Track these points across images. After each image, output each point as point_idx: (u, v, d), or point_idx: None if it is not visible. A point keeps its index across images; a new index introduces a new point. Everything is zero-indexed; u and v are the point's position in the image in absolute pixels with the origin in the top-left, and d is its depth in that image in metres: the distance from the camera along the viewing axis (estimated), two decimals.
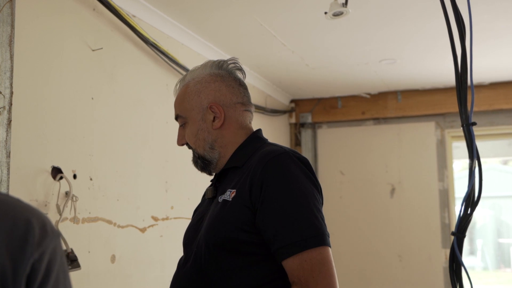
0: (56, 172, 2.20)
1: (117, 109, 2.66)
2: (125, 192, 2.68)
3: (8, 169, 1.78)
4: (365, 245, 5.12)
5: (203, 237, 1.52)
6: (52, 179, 2.19)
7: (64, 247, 2.17)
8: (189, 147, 1.71)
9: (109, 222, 2.54)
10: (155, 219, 2.92)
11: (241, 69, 1.75)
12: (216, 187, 1.66)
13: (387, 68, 4.26)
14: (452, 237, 1.20)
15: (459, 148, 5.32)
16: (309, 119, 5.36)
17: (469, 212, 1.21)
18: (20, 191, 2.02)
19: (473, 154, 1.19)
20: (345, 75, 4.50)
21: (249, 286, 1.45)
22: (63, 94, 2.30)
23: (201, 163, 1.68)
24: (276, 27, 3.29)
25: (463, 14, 1.36)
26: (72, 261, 2.17)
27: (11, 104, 1.81)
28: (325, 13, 2.58)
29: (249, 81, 4.25)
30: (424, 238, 4.93)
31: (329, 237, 1.44)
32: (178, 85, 1.75)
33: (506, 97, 4.78)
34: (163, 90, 3.05)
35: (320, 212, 1.46)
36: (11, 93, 1.81)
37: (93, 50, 2.49)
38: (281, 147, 1.58)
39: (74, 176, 2.33)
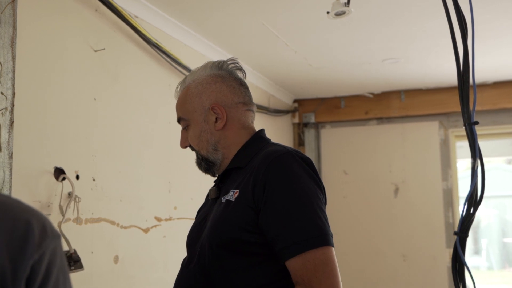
0: (59, 173, 2.20)
1: (119, 109, 2.66)
2: (128, 192, 2.68)
3: (11, 170, 1.78)
4: (369, 245, 5.11)
5: (207, 238, 1.52)
6: (54, 180, 2.19)
7: (67, 248, 2.17)
8: (193, 149, 1.71)
9: (112, 222, 2.54)
10: (158, 219, 2.92)
11: (241, 69, 1.75)
12: (219, 188, 1.66)
13: (390, 67, 4.25)
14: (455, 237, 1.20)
15: (463, 147, 5.30)
16: (312, 119, 5.35)
17: (471, 211, 1.20)
18: (22, 192, 2.02)
19: (476, 154, 1.18)
20: (348, 74, 4.49)
21: (252, 287, 1.45)
22: (65, 95, 2.30)
23: (205, 164, 1.68)
24: (278, 27, 3.28)
25: (465, 14, 1.35)
26: (75, 261, 2.17)
27: (13, 105, 1.81)
28: (327, 12, 2.58)
29: (252, 81, 4.25)
30: (428, 238, 4.92)
31: (332, 237, 1.43)
32: (179, 88, 1.75)
33: (510, 96, 4.76)
34: (166, 90, 3.04)
35: (323, 212, 1.46)
36: (13, 94, 1.81)
37: (95, 51, 2.49)
38: (284, 147, 1.58)
39: (77, 177, 2.33)
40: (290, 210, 1.42)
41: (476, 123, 1.23)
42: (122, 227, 2.61)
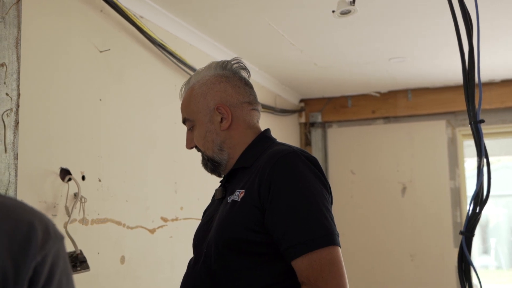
0: (65, 173, 2.21)
1: (125, 110, 2.66)
2: (134, 193, 2.68)
3: (16, 171, 1.78)
4: (376, 245, 5.09)
5: (213, 238, 1.52)
6: (60, 180, 2.19)
7: (73, 249, 2.17)
8: (198, 150, 1.71)
9: (118, 223, 2.54)
10: (165, 220, 2.92)
11: (245, 69, 1.74)
12: (225, 188, 1.65)
13: (396, 66, 4.23)
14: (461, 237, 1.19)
15: (471, 146, 5.28)
16: (319, 118, 5.34)
17: (477, 211, 1.19)
18: (28, 193, 2.02)
19: (482, 152, 1.17)
20: (354, 74, 4.48)
21: (258, 286, 1.45)
22: (70, 96, 2.30)
23: (211, 165, 1.68)
24: (284, 27, 3.28)
25: (471, 12, 1.34)
26: (81, 262, 2.17)
27: (18, 106, 1.81)
28: (333, 11, 2.57)
29: (258, 81, 4.25)
30: (436, 237, 4.90)
31: (338, 236, 1.43)
32: (183, 89, 1.75)
33: None
34: (171, 90, 3.04)
35: (329, 211, 1.45)
36: (18, 95, 1.81)
37: (100, 51, 2.49)
38: (289, 146, 1.57)
39: (83, 178, 2.33)
40: (296, 209, 1.42)
41: (482, 121, 1.22)
42: (128, 227, 2.61)
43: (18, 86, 1.81)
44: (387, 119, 5.23)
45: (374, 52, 3.85)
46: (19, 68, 1.82)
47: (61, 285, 0.86)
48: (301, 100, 5.39)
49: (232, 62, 1.71)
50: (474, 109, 1.23)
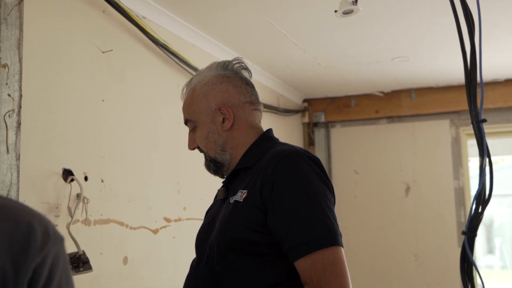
0: (67, 174, 2.21)
1: (127, 110, 2.66)
2: (137, 193, 2.68)
3: (18, 171, 1.79)
4: (380, 245, 5.09)
5: (215, 239, 1.52)
6: (63, 181, 2.19)
7: (75, 249, 2.17)
8: (201, 151, 1.71)
9: (121, 223, 2.54)
10: (168, 220, 2.92)
11: (246, 68, 1.74)
12: (227, 188, 1.65)
13: (400, 66, 4.22)
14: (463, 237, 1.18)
15: (475, 146, 5.23)
16: (322, 118, 5.34)
17: (480, 210, 1.19)
18: (30, 194, 2.02)
19: (484, 152, 1.17)
20: (357, 73, 4.48)
21: (261, 287, 1.45)
22: (73, 96, 2.30)
23: (213, 166, 1.68)
24: (286, 26, 3.27)
25: (473, 11, 1.34)
26: (84, 263, 2.17)
27: (20, 107, 1.81)
28: (335, 11, 2.56)
29: (261, 81, 4.24)
30: (440, 237, 4.89)
31: (341, 237, 1.42)
32: (185, 89, 1.75)
33: None
34: (174, 91, 3.04)
35: (332, 211, 1.45)
36: (20, 96, 1.82)
37: (103, 52, 2.49)
38: (292, 146, 1.57)
39: (85, 178, 2.33)
40: (298, 209, 1.41)
41: (484, 120, 1.22)
42: (131, 228, 2.61)
43: (20, 87, 1.81)
44: (391, 118, 5.22)
45: (377, 51, 3.85)
46: (21, 69, 1.82)
47: (60, 287, 0.86)
48: (304, 100, 5.39)
49: (233, 62, 1.71)
50: (476, 109, 1.23)
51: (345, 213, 5.11)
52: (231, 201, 1.55)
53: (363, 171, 5.25)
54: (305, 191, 1.44)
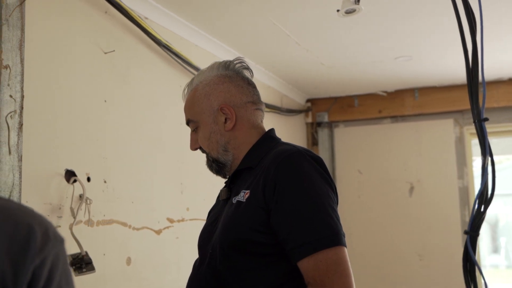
0: (70, 175, 2.21)
1: (130, 111, 2.66)
2: (140, 194, 2.68)
3: (20, 173, 1.79)
4: (384, 245, 5.08)
5: (218, 239, 1.51)
6: (66, 182, 2.19)
7: (78, 250, 2.17)
8: (203, 151, 1.70)
9: (124, 224, 2.54)
10: (171, 221, 2.92)
11: (248, 68, 1.73)
12: (230, 188, 1.65)
13: (403, 65, 4.21)
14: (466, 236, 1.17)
15: (478, 145, 5.24)
16: (325, 118, 5.33)
17: (482, 210, 1.18)
18: (33, 195, 2.02)
19: (486, 151, 1.16)
20: (361, 73, 4.47)
21: (264, 287, 1.44)
22: (75, 97, 2.30)
23: (216, 166, 1.67)
24: (289, 26, 3.27)
25: (475, 10, 1.33)
26: (87, 263, 2.18)
27: (22, 108, 1.81)
28: (338, 10, 2.56)
29: (264, 81, 4.24)
30: (445, 237, 4.87)
31: (344, 236, 1.41)
32: (186, 90, 1.75)
33: None
34: (177, 91, 3.04)
35: (335, 211, 1.44)
36: (22, 97, 1.82)
37: (105, 53, 2.49)
38: (294, 146, 1.56)
39: (88, 179, 2.33)
40: (301, 209, 1.41)
41: (486, 119, 1.21)
42: (134, 228, 2.61)
43: (22, 88, 1.82)
44: (394, 118, 5.21)
45: (381, 51, 3.84)
46: (22, 70, 1.83)
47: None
48: (308, 100, 5.38)
49: (235, 62, 1.71)
50: (478, 107, 1.22)
51: (349, 213, 5.10)
52: (234, 201, 1.54)
53: (367, 171, 5.24)
54: (308, 191, 1.43)
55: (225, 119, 1.64)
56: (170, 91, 3.01)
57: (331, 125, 5.42)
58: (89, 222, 2.30)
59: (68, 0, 2.31)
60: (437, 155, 5.01)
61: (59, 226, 2.14)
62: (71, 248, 2.16)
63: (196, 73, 3.05)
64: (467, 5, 1.27)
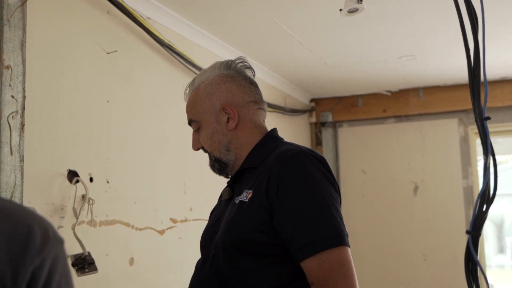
0: (73, 175, 2.20)
1: (133, 111, 2.66)
2: (143, 194, 2.68)
3: (22, 173, 1.79)
4: (389, 244, 5.06)
5: (221, 239, 1.51)
6: (68, 182, 2.19)
7: (81, 251, 2.17)
8: (205, 151, 1.70)
9: (127, 224, 2.54)
10: (174, 221, 2.92)
11: (250, 67, 1.73)
12: (232, 188, 1.65)
13: (407, 64, 4.20)
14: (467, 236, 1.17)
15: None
16: (329, 118, 5.32)
17: (484, 209, 1.17)
18: (35, 195, 2.02)
19: (488, 150, 1.15)
20: (364, 73, 4.46)
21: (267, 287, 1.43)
22: (78, 97, 2.30)
23: (218, 166, 1.67)
24: (292, 26, 3.26)
25: (477, 8, 1.32)
26: (89, 264, 2.17)
27: (23, 108, 1.81)
28: (340, 10, 2.55)
29: (267, 80, 4.23)
30: (449, 237, 4.85)
31: (348, 236, 1.41)
32: (188, 90, 1.75)
33: None
34: (180, 91, 3.03)
35: (338, 211, 1.44)
36: (24, 97, 1.82)
37: (107, 53, 2.49)
38: (297, 146, 1.56)
39: (91, 179, 2.33)
40: (304, 210, 1.40)
41: (488, 118, 1.20)
42: (137, 229, 2.60)
43: (23, 89, 1.82)
44: (398, 118, 5.19)
45: (384, 50, 3.83)
46: (24, 70, 1.83)
47: None
48: (312, 100, 5.38)
49: (237, 62, 1.71)
50: (480, 106, 1.21)
51: (353, 212, 5.09)
52: (237, 201, 1.54)
53: (371, 171, 5.22)
54: (311, 191, 1.43)
55: (228, 119, 1.64)
56: (173, 91, 3.00)
57: (335, 125, 5.41)
58: (92, 223, 2.30)
59: (70, 0, 2.31)
60: (442, 155, 5.00)
61: (62, 227, 2.14)
62: (73, 249, 2.16)
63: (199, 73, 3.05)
64: (469, 3, 1.26)
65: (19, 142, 1.78)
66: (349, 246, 1.40)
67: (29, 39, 1.95)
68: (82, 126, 2.31)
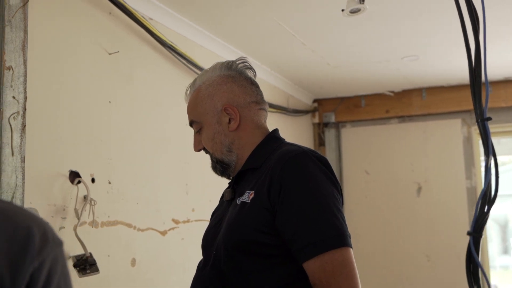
0: (74, 176, 2.20)
1: (135, 112, 2.66)
2: (145, 195, 2.67)
3: (23, 174, 1.79)
4: (392, 245, 5.05)
5: (222, 240, 1.51)
6: (70, 183, 2.19)
7: (82, 252, 2.17)
8: (206, 152, 1.70)
9: (129, 225, 2.54)
10: (176, 222, 2.91)
11: (251, 68, 1.73)
12: (234, 189, 1.64)
13: (410, 65, 4.19)
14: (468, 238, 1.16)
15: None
16: (332, 118, 5.31)
17: (485, 210, 1.17)
18: (37, 196, 2.02)
19: (489, 151, 1.14)
20: (367, 73, 4.45)
21: None
22: (79, 98, 2.30)
23: (220, 167, 1.67)
24: (294, 26, 3.26)
25: (478, 8, 1.31)
26: (91, 265, 2.18)
27: (25, 109, 1.81)
28: (342, 10, 2.55)
29: (270, 81, 4.23)
30: (453, 238, 4.84)
31: (350, 237, 1.41)
32: (189, 91, 1.75)
33: None
34: (181, 92, 3.01)
35: (340, 212, 1.43)
36: (25, 98, 1.82)
37: (109, 54, 2.49)
38: (299, 146, 1.56)
39: (92, 180, 2.33)
40: (306, 210, 1.40)
41: (489, 119, 1.19)
42: (139, 229, 2.60)
43: (25, 89, 1.82)
44: (402, 118, 5.18)
45: (387, 51, 3.82)
46: (25, 71, 1.83)
47: None
48: (315, 100, 5.37)
49: (237, 62, 1.70)
50: (481, 107, 1.21)
51: (356, 213, 5.08)
52: (238, 202, 1.54)
53: (374, 171, 5.21)
54: (313, 192, 1.42)
55: (229, 120, 1.64)
56: (175, 91, 3.00)
57: (338, 125, 5.40)
58: (94, 223, 2.29)
59: (72, 1, 2.31)
60: (445, 155, 4.98)
61: (63, 227, 2.14)
62: (75, 250, 2.16)
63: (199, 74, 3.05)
64: (470, 3, 1.25)
65: (20, 143, 1.78)
66: (351, 247, 1.39)
67: (30, 40, 1.95)
68: (84, 126, 2.31)
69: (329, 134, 5.35)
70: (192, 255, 2.92)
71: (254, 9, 2.97)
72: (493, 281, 5.77)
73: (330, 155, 5.23)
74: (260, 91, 1.72)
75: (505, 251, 12.65)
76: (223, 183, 1.78)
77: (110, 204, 2.43)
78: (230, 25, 3.22)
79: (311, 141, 5.33)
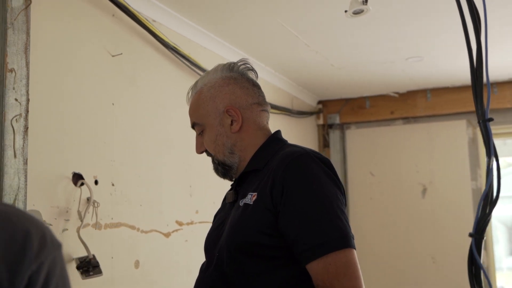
0: (77, 178, 2.21)
1: (138, 114, 2.66)
2: (148, 197, 2.67)
3: (26, 176, 1.79)
4: (397, 247, 5.04)
5: (225, 242, 1.51)
6: (73, 185, 2.19)
7: (86, 253, 2.17)
8: (208, 154, 1.70)
9: (132, 227, 2.54)
10: (180, 223, 2.91)
11: (252, 69, 1.72)
12: (236, 191, 1.64)
13: (414, 66, 4.18)
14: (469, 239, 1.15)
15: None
16: (337, 120, 5.30)
17: (487, 212, 1.16)
18: (40, 198, 2.02)
19: (491, 152, 1.14)
20: (372, 74, 4.44)
21: None
22: (82, 100, 2.30)
23: (222, 169, 1.66)
24: (298, 28, 3.25)
25: (479, 8, 1.31)
26: (94, 267, 2.17)
27: (27, 111, 1.82)
28: (345, 11, 2.54)
29: (274, 82, 4.22)
30: (458, 239, 4.82)
31: (353, 238, 1.40)
32: (190, 93, 1.74)
33: None
34: (185, 94, 3.00)
35: (343, 213, 1.43)
36: (27, 100, 1.82)
37: (112, 56, 2.49)
38: (302, 148, 1.55)
39: (96, 182, 2.33)
40: (309, 212, 1.40)
41: (491, 119, 1.19)
42: (142, 231, 2.60)
43: (27, 92, 1.82)
44: (406, 119, 5.17)
45: (391, 52, 3.81)
46: (28, 73, 1.83)
47: None
48: (319, 102, 5.36)
49: (239, 64, 1.70)
50: (483, 107, 1.20)
51: (361, 215, 5.07)
52: (241, 204, 1.53)
53: (379, 173, 5.20)
54: (316, 193, 1.42)
55: (231, 121, 1.63)
56: (178, 93, 3.00)
57: (342, 126, 5.39)
58: (97, 225, 2.30)
59: (75, 3, 2.31)
60: (450, 157, 4.97)
61: (66, 230, 2.14)
62: (78, 252, 2.16)
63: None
64: (471, 4, 1.25)
65: (23, 145, 1.78)
66: (355, 248, 1.39)
67: (33, 42, 1.95)
68: (87, 128, 2.31)
69: (334, 136, 5.34)
70: (195, 257, 2.92)
71: (257, 11, 2.97)
72: (500, 282, 5.74)
73: (334, 157, 5.23)
74: (262, 93, 1.72)
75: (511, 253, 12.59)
76: (227, 185, 1.77)
77: (114, 206, 2.43)
78: (234, 27, 3.22)
79: (316, 143, 5.32)
